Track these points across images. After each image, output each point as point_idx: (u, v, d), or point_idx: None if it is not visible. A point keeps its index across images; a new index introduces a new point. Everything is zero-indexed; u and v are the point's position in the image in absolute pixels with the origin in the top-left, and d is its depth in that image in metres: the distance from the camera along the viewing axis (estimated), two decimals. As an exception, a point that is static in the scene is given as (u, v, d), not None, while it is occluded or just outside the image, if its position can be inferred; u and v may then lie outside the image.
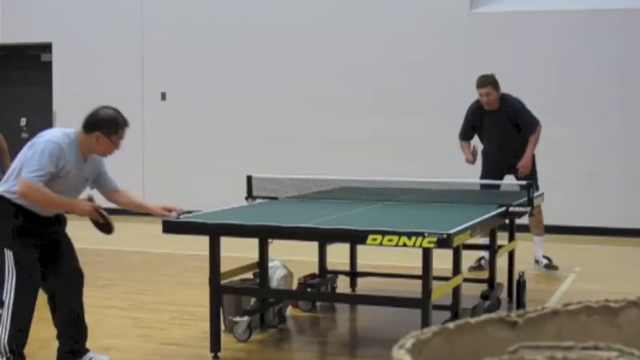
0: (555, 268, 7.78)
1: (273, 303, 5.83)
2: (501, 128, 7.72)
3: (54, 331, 4.77)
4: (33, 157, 4.39)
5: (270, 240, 5.69)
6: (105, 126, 4.54)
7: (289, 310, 6.22)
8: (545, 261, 7.87)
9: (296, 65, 11.38)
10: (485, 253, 7.71)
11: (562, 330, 1.18)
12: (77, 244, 4.84)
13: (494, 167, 7.73)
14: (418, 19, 10.89)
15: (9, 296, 4.47)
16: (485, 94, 7.65)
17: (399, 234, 4.46)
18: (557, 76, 10.43)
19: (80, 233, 5.25)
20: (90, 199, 4.63)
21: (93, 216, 4.56)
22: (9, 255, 4.47)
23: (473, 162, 7.81)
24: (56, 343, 4.77)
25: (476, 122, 7.88)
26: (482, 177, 7.72)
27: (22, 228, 4.48)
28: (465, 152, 7.92)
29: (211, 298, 5.12)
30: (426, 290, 4.72)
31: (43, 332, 5.05)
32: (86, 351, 4.77)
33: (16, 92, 13.23)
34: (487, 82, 7.67)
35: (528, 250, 8.14)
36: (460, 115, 10.85)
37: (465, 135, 8.00)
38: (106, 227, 4.63)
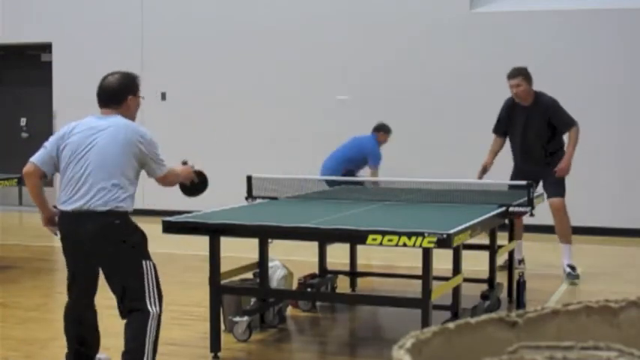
0: (576, 277, 7.37)
1: (273, 303, 5.83)
2: (533, 126, 7.45)
3: (54, 332, 4.76)
4: (155, 152, 4.36)
5: (270, 240, 5.69)
6: (131, 87, 4.50)
7: (289, 310, 6.22)
8: (567, 269, 7.44)
9: (296, 65, 11.38)
10: (517, 255, 7.52)
11: (562, 330, 1.18)
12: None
13: (522, 174, 7.27)
14: (418, 19, 10.90)
15: (156, 308, 4.29)
16: (516, 85, 7.39)
17: (399, 234, 4.46)
18: (557, 76, 10.43)
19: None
20: (185, 162, 4.65)
21: (193, 177, 4.60)
22: (149, 266, 4.30)
23: (479, 177, 7.57)
24: (62, 347, 4.68)
25: (508, 116, 7.58)
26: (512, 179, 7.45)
27: (145, 237, 4.39)
28: (487, 157, 7.68)
29: (211, 298, 5.12)
30: (426, 290, 4.71)
31: (43, 332, 5.05)
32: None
33: (16, 92, 13.24)
34: (517, 73, 7.41)
35: (528, 250, 8.15)
36: (459, 115, 10.88)
37: (497, 128, 7.72)
38: (200, 186, 4.67)
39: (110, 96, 4.43)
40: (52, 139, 4.44)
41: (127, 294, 4.32)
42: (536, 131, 7.48)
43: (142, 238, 4.37)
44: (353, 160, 9.51)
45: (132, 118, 4.48)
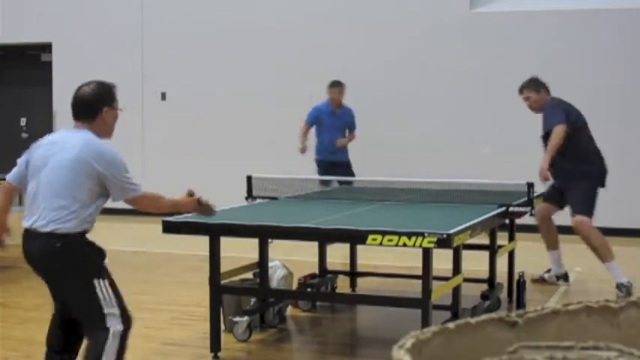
0: (627, 294, 6.74)
1: (273, 303, 5.83)
2: (546, 134, 6.93)
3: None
4: (119, 173, 4.05)
5: (270, 240, 5.69)
6: (106, 98, 4.25)
7: (289, 310, 6.22)
8: (623, 283, 6.80)
9: (296, 65, 11.38)
10: (553, 265, 7.29)
11: (562, 330, 1.18)
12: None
13: (553, 189, 7.03)
14: (418, 19, 10.90)
15: (117, 326, 4.04)
16: (525, 99, 7.04)
17: (399, 234, 4.47)
18: (557, 76, 10.42)
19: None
20: (191, 193, 4.46)
21: (199, 210, 4.40)
22: (103, 284, 4.05)
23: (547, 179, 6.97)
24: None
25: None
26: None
27: (101, 254, 4.16)
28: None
29: (211, 298, 5.13)
30: (426, 290, 4.72)
31: (43, 332, 5.03)
32: None
33: (16, 92, 13.24)
34: (524, 86, 7.04)
35: (528, 250, 8.14)
36: (459, 115, 10.88)
37: None
38: (206, 216, 4.55)
39: (83, 108, 4.21)
40: (23, 154, 4.30)
41: (82, 315, 4.14)
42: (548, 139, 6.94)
43: (94, 256, 4.13)
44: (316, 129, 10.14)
45: (108, 131, 4.24)
